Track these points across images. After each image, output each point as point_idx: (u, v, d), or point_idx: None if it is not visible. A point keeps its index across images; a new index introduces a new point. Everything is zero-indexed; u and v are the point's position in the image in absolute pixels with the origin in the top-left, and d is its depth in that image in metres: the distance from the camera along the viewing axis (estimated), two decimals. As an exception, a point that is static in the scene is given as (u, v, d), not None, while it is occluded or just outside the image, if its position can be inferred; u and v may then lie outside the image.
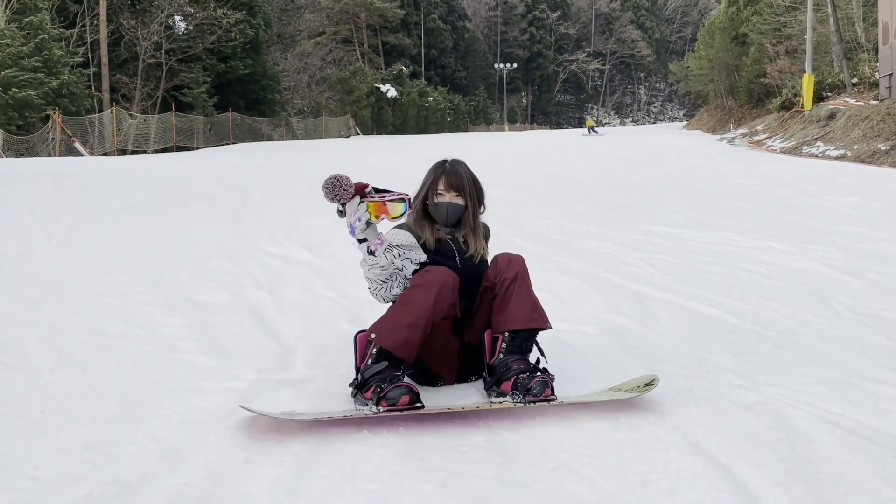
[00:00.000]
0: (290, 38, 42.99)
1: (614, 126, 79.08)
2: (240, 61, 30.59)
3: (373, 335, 2.21)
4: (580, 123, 77.45)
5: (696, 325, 3.22)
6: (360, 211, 2.23)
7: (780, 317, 3.36)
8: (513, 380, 2.22)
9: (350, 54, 47.37)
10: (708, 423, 2.06)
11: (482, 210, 2.58)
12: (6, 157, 17.80)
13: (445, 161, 2.57)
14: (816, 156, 15.82)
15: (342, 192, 2.20)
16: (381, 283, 2.32)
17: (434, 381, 2.43)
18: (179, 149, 25.17)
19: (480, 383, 2.42)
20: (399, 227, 2.51)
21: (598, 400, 2.21)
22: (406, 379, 2.17)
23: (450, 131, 49.65)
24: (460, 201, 2.51)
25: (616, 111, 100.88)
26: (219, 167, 13.48)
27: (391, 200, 2.29)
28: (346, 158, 16.67)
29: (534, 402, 2.15)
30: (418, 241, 2.45)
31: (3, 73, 19.25)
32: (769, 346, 2.91)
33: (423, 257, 2.40)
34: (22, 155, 18.78)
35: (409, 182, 2.72)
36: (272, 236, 5.65)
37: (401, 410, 2.06)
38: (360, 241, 2.26)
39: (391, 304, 2.36)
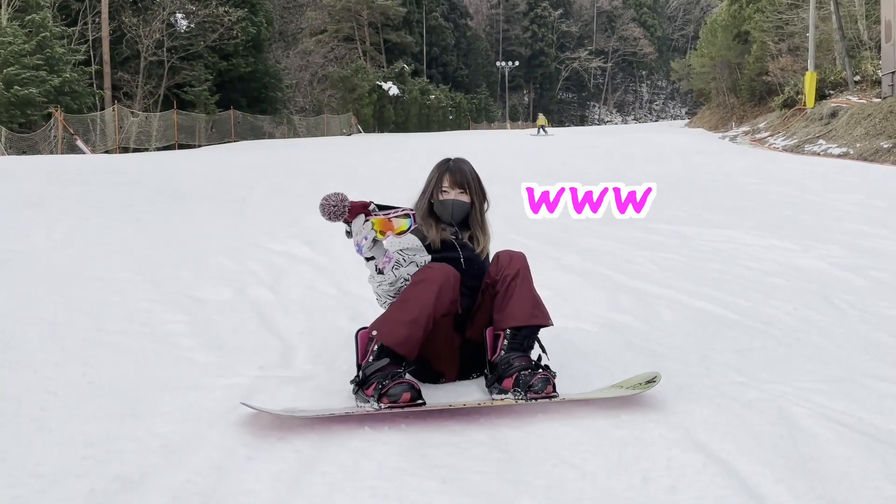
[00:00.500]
0: (291, 36, 43.06)
1: (616, 124, 78.95)
2: (242, 59, 30.62)
3: (374, 332, 2.21)
4: (582, 121, 77.39)
5: (698, 323, 3.21)
6: (365, 229, 2.26)
7: (783, 314, 3.35)
8: (514, 377, 2.22)
9: (352, 52, 47.38)
10: (710, 421, 2.06)
11: (486, 207, 2.61)
12: (8, 154, 17.82)
13: (449, 159, 2.60)
14: (819, 154, 15.78)
15: (340, 209, 2.24)
16: (389, 298, 2.37)
17: (436, 377, 2.44)
18: (181, 147, 25.19)
19: (482, 380, 2.42)
20: None
21: (600, 397, 2.21)
22: (407, 376, 2.17)
23: (452, 129, 49.62)
24: (465, 198, 2.53)
25: (618, 109, 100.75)
26: (220, 165, 13.49)
27: (396, 217, 2.31)
28: (347, 157, 16.65)
29: (535, 399, 2.15)
30: (423, 243, 2.46)
31: (5, 70, 19.29)
32: (771, 343, 2.91)
33: (429, 259, 2.41)
34: (24, 153, 18.80)
35: (412, 182, 2.72)
36: (274, 234, 5.66)
37: (402, 407, 2.07)
38: (368, 259, 2.28)
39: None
